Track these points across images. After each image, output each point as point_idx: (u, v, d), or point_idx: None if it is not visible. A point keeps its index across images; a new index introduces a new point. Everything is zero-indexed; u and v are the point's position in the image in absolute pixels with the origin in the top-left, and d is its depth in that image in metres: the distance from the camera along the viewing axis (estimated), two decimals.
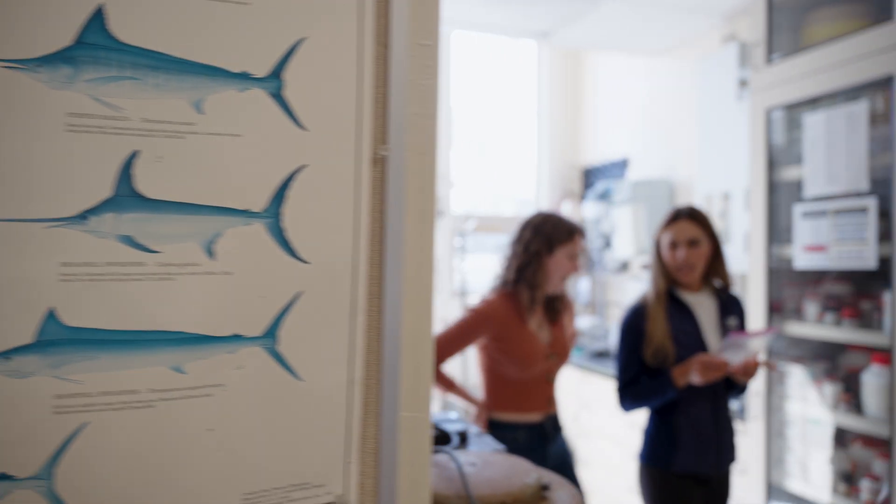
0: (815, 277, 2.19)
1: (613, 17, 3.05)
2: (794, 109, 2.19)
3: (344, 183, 0.61)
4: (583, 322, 3.85)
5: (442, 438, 1.22)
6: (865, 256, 1.90)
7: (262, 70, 0.59)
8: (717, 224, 2.99)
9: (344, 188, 0.61)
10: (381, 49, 0.58)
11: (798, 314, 2.22)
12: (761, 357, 1.71)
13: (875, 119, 1.90)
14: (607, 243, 3.67)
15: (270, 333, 0.60)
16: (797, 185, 2.15)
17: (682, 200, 3.36)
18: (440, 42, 0.61)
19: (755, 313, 2.24)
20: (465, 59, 4.23)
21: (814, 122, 2.06)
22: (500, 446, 1.22)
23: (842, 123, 1.98)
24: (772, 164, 2.25)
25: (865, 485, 1.91)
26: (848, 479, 1.99)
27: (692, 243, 1.74)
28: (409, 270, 0.59)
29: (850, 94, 2.00)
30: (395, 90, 0.57)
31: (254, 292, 0.59)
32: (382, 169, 0.58)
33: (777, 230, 2.27)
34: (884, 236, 1.87)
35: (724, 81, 2.88)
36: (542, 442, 1.85)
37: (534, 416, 1.85)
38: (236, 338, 0.59)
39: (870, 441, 1.95)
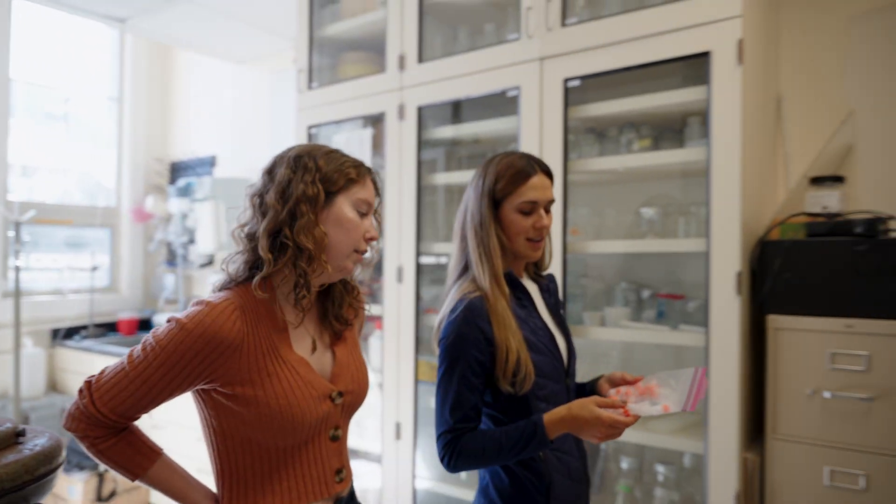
0: None
1: (191, 19, 3.15)
2: (328, 128, 2.68)
3: None
4: (165, 319, 3.82)
5: None
6: None
7: None
8: None
9: None
10: None
11: None
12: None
13: (376, 143, 2.50)
14: (192, 239, 3.73)
15: None
16: None
17: None
18: None
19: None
20: (37, 33, 3.73)
21: (338, 141, 2.58)
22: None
23: (356, 144, 2.53)
24: None
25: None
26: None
27: (549, 208, 1.29)
28: None
29: (363, 121, 2.57)
30: None
31: None
32: None
33: None
34: None
35: (290, 97, 3.29)
36: None
37: None
38: None
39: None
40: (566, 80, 1.95)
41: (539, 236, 1.26)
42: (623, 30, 1.83)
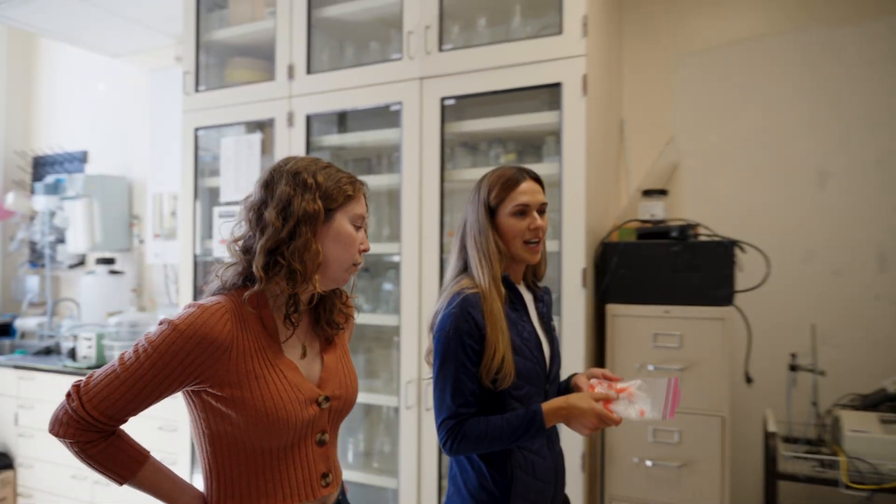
0: None
1: (62, 9, 3.02)
2: (215, 131, 2.73)
3: None
4: (29, 322, 3.62)
5: None
6: None
7: None
8: (167, 221, 3.35)
9: None
10: None
11: None
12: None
13: (265, 147, 2.59)
14: (61, 238, 3.56)
15: None
16: (217, 192, 2.70)
17: (139, 198, 3.58)
18: None
19: (185, 296, 2.68)
20: None
21: (227, 144, 2.64)
22: None
23: (245, 147, 2.61)
24: (199, 173, 2.73)
25: None
26: None
27: (543, 210, 1.37)
28: None
29: (251, 126, 2.65)
30: None
31: None
32: None
33: (206, 227, 2.77)
34: None
35: (174, 96, 3.26)
36: None
37: None
38: None
39: None
40: (443, 99, 2.18)
41: (535, 237, 1.34)
42: (491, 58, 2.10)
